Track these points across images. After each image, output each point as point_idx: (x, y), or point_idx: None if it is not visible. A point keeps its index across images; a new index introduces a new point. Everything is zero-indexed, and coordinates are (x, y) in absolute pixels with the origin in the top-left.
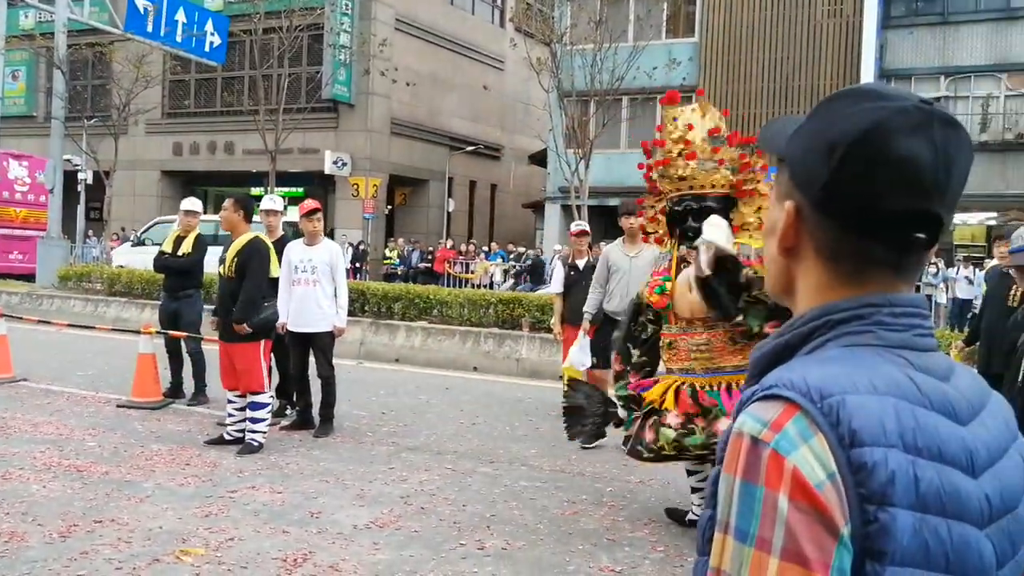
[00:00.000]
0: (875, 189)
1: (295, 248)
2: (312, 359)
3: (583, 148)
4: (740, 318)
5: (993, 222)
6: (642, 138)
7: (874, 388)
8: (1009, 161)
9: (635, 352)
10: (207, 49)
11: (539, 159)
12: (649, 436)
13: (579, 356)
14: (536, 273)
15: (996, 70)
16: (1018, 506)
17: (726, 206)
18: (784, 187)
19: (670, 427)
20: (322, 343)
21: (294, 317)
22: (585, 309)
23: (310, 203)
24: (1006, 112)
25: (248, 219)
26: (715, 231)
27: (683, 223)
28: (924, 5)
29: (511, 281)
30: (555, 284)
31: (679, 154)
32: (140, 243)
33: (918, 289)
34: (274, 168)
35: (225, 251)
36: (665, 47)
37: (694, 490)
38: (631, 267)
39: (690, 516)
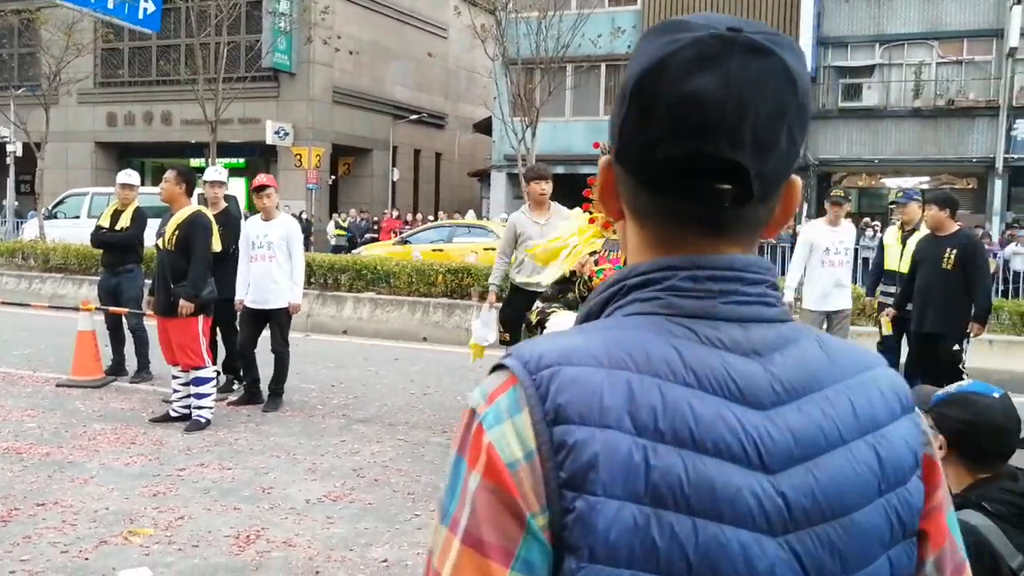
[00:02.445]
0: (649, 133)
1: (253, 224)
2: (264, 334)
3: (529, 116)
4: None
5: (926, 186)
6: (587, 106)
7: (606, 360)
8: (941, 127)
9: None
10: (141, 16)
11: (484, 127)
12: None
13: (483, 331)
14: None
15: (928, 38)
16: (853, 512)
17: None
18: None
19: None
20: (280, 319)
21: (251, 293)
22: (490, 280)
23: (261, 179)
24: (938, 79)
25: (190, 193)
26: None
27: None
28: None
29: None
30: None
31: None
32: (52, 216)
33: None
34: (214, 139)
35: (164, 224)
36: (609, 15)
37: None
38: (543, 235)
39: None
